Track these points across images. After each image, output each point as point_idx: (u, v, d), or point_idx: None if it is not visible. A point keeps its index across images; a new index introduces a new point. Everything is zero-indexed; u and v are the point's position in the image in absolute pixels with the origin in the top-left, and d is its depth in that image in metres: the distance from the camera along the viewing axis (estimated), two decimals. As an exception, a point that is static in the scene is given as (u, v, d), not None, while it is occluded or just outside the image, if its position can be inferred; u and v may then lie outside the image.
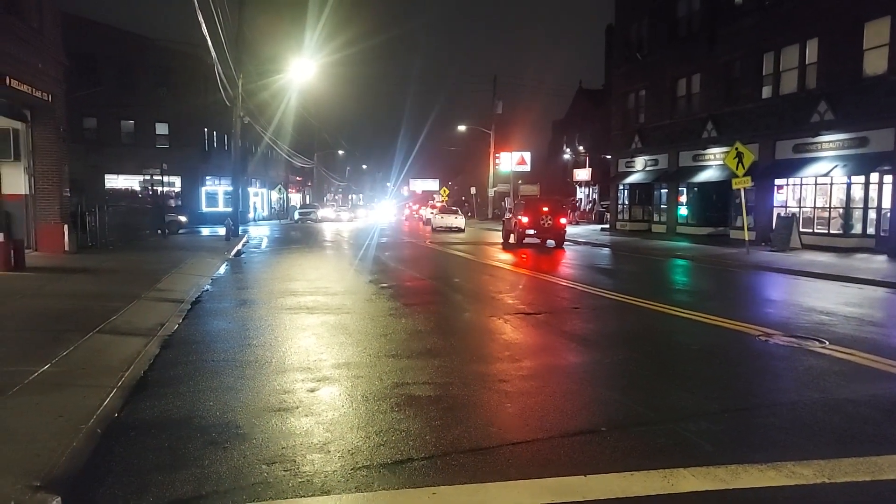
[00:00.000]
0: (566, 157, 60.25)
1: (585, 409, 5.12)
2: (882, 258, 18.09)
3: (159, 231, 26.55)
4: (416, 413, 4.90)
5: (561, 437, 4.42)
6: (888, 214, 19.93)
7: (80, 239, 17.76)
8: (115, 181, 39.98)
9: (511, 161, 54.15)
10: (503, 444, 4.30)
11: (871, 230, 20.78)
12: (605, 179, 43.27)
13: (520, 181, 57.69)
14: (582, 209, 52.44)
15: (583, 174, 54.22)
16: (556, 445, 4.27)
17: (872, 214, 20.82)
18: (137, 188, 39.31)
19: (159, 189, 36.20)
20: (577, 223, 45.69)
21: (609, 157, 38.05)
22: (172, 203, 37.44)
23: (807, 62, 22.63)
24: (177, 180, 41.28)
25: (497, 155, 53.39)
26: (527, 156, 55.33)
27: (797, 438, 4.47)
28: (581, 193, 56.88)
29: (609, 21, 40.02)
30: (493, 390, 5.56)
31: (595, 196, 53.56)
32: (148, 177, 33.04)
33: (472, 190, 66.84)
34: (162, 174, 35.30)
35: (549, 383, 5.85)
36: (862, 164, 20.31)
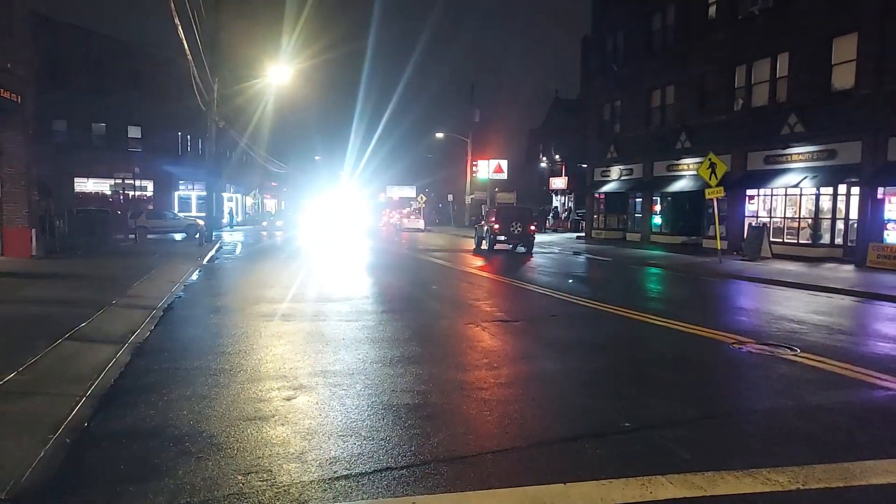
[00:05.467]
0: (543, 165, 60.71)
1: (564, 416, 5.13)
2: (849, 268, 18.53)
3: (131, 236, 26.05)
4: (395, 421, 4.85)
5: (540, 445, 4.42)
6: (855, 225, 20.45)
7: (49, 244, 17.34)
8: (84, 185, 39.17)
9: (488, 169, 54.39)
10: (483, 452, 4.28)
11: (838, 240, 21.29)
12: (581, 188, 43.68)
13: (497, 189, 57.92)
14: (559, 217, 52.87)
15: (559, 183, 54.68)
16: (536, 453, 4.26)
17: (840, 225, 21.35)
18: (108, 192, 38.57)
19: (131, 193, 35.58)
20: (555, 231, 46.04)
21: (585, 166, 38.45)
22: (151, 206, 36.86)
23: (777, 76, 23.17)
24: (149, 184, 40.60)
25: (474, 163, 53.61)
26: (504, 164, 55.60)
27: (772, 445, 4.53)
28: (557, 202, 57.33)
29: (585, 32, 40.54)
30: (473, 398, 5.54)
31: (571, 204, 54.03)
32: (119, 181, 32.42)
33: (450, 197, 66.89)
34: (134, 178, 34.65)
35: (527, 391, 5.85)
36: (830, 176, 20.81)
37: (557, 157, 57.07)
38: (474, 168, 53.83)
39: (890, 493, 3.79)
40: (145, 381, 5.89)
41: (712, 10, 26.38)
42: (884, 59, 18.91)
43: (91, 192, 38.98)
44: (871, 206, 19.48)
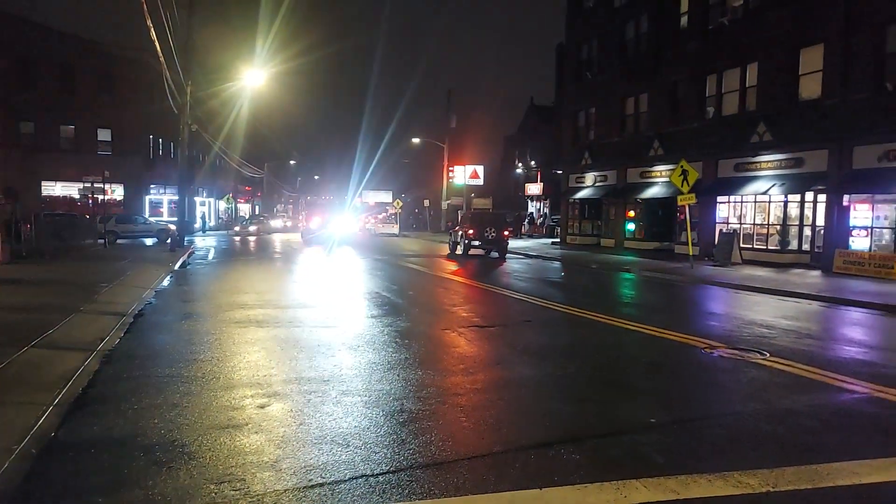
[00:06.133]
0: (519, 171, 61.08)
1: (540, 422, 5.15)
2: (816, 273, 18.97)
3: (101, 241, 25.54)
4: (372, 428, 4.83)
5: (516, 450, 4.43)
6: (822, 232, 20.95)
7: (15, 249, 16.92)
8: (53, 189, 38.30)
9: (465, 174, 54.57)
10: (460, 458, 4.27)
11: (806, 246, 21.79)
12: (556, 194, 44.02)
13: (473, 194, 58.13)
14: (535, 223, 53.23)
15: (534, 188, 55.05)
16: (512, 459, 4.27)
17: (808, 231, 21.85)
18: (77, 196, 37.77)
19: (100, 197, 34.90)
20: (531, 237, 46.33)
21: (560, 172, 38.77)
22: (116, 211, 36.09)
23: (747, 85, 23.67)
24: (119, 188, 39.84)
25: (451, 168, 53.75)
26: (480, 169, 55.84)
27: (743, 449, 4.60)
28: (533, 207, 57.71)
29: (560, 40, 40.96)
30: (449, 404, 5.54)
31: (546, 210, 54.43)
32: (88, 184, 31.77)
33: (426, 202, 66.96)
34: (104, 182, 33.99)
35: (503, 396, 5.87)
36: (798, 184, 21.31)
37: (533, 163, 57.48)
38: (450, 174, 53.97)
39: (856, 493, 3.88)
40: (115, 389, 5.77)
41: (684, 19, 26.87)
42: (848, 70, 19.45)
43: (59, 196, 38.16)
44: (837, 214, 19.98)
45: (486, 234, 24.88)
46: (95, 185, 28.10)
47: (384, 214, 59.42)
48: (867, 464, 4.28)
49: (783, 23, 21.77)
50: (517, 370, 6.96)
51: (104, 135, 39.30)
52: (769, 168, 22.63)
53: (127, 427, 4.74)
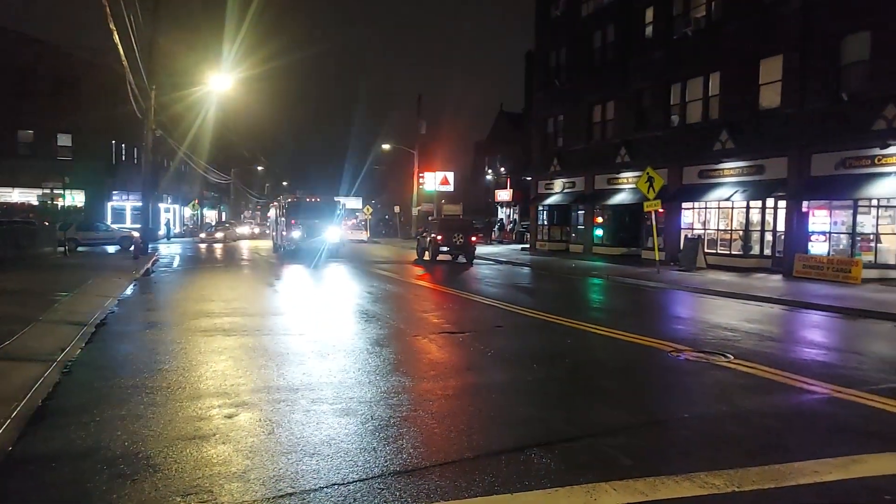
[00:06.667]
0: (489, 177, 61.45)
1: (510, 427, 5.17)
2: (777, 277, 19.47)
3: (61, 249, 24.84)
4: (343, 436, 4.79)
5: (487, 455, 4.44)
6: (782, 237, 21.53)
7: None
8: (10, 195, 37.18)
9: (435, 181, 54.63)
10: (431, 465, 4.26)
11: (767, 251, 22.36)
12: (526, 200, 44.40)
13: (443, 200, 58.25)
14: (505, 229, 53.57)
15: (504, 195, 55.44)
16: (483, 464, 4.28)
17: (769, 237, 22.43)
18: (35, 203, 36.70)
19: (60, 204, 33.98)
20: (501, 243, 46.59)
21: (529, 178, 39.12)
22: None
23: (710, 94, 24.25)
24: (80, 195, 38.86)
25: (421, 175, 53.75)
26: (450, 176, 55.98)
27: (708, 450, 4.70)
28: (503, 214, 58.08)
29: (529, 47, 41.41)
30: (420, 411, 5.52)
31: (516, 216, 54.84)
32: (48, 190, 30.87)
33: (396, 209, 66.75)
34: (64, 188, 33.10)
35: (474, 402, 5.88)
36: (759, 190, 21.88)
37: (503, 169, 57.89)
38: (421, 180, 53.96)
39: (817, 491, 3.98)
40: (76, 400, 5.61)
41: (649, 29, 27.42)
42: (806, 81, 20.08)
43: (17, 203, 37.02)
44: (796, 219, 20.57)
45: (453, 240, 25.32)
46: (55, 191, 27.38)
47: (353, 220, 59.11)
48: (827, 462, 4.40)
49: (743, 34, 22.38)
50: (488, 376, 6.98)
51: (64, 140, 38.33)
52: (732, 175, 23.19)
53: (89, 440, 4.62)
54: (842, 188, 18.97)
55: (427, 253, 26.69)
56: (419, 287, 16.73)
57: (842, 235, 19.69)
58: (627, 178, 28.53)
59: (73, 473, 4.00)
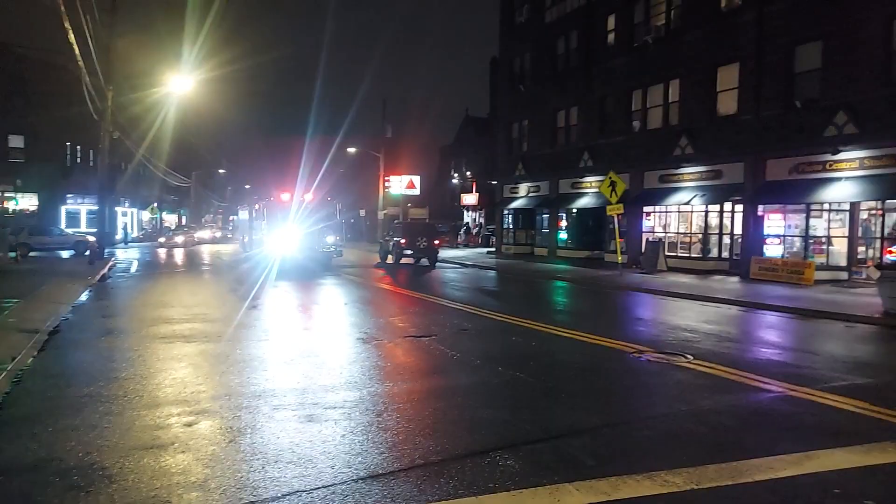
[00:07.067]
0: (455, 181, 61.64)
1: (475, 430, 5.18)
2: (735, 279, 19.99)
3: (12, 254, 23.97)
4: (305, 443, 4.73)
5: (453, 459, 4.44)
6: (739, 240, 22.13)
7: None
8: (-43, 198, 35.72)
9: (401, 184, 54.53)
10: (396, 469, 4.24)
11: (725, 254, 22.94)
12: (492, 204, 44.66)
13: (409, 204, 58.17)
14: (471, 233, 53.77)
15: (470, 199, 55.67)
16: (449, 467, 4.28)
17: (727, 240, 23.02)
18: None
19: (11, 207, 32.82)
20: (467, 246, 46.73)
21: (495, 182, 39.36)
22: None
23: (670, 100, 24.80)
24: (33, 198, 37.60)
25: (387, 178, 53.53)
26: (416, 180, 55.93)
27: (669, 449, 4.79)
28: (469, 217, 58.28)
29: (494, 53, 41.72)
30: (385, 415, 5.49)
31: (482, 220, 55.10)
32: (-1, 193, 29.89)
33: (362, 212, 66.37)
34: (15, 191, 31.98)
35: (439, 405, 5.87)
36: (717, 194, 22.45)
37: (468, 173, 58.15)
38: (386, 183, 53.76)
39: (772, 487, 4.09)
40: (27, 410, 5.42)
41: (611, 37, 27.91)
42: (761, 88, 20.70)
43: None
44: (752, 223, 21.16)
45: (417, 244, 25.46)
46: (6, 194, 26.45)
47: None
48: (782, 459, 4.53)
49: (702, 42, 22.96)
50: (453, 379, 6.98)
51: (16, 141, 37.05)
52: (691, 180, 23.74)
53: (41, 451, 4.46)
54: (795, 193, 19.59)
55: (391, 256, 26.73)
56: (384, 291, 16.66)
57: (795, 238, 20.33)
58: (591, 183, 28.93)
59: (23, 486, 3.86)
